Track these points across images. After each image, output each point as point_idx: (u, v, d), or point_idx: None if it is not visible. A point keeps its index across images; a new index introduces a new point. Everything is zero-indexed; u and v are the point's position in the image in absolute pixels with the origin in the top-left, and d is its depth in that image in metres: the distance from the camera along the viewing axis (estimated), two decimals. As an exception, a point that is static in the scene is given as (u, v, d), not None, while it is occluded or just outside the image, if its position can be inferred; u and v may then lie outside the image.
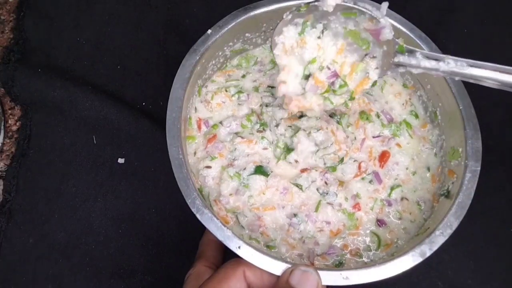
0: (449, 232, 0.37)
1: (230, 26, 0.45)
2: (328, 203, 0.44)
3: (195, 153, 0.46)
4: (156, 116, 0.53)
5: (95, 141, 0.52)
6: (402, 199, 0.45)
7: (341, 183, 0.45)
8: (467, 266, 0.48)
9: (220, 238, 0.36)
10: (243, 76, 0.51)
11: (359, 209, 0.44)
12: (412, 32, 0.46)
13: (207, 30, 0.45)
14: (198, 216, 0.37)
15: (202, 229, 0.47)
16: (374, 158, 0.47)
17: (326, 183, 0.45)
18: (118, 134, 0.52)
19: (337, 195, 0.44)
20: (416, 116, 0.49)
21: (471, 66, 0.35)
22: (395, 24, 0.46)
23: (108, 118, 0.52)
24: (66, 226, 0.48)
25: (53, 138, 0.52)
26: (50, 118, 0.53)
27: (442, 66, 0.36)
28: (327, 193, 0.44)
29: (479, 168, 0.40)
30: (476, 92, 0.43)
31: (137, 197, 0.50)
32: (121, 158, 0.51)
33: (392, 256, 0.38)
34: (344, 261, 0.42)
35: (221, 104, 0.48)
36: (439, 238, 0.37)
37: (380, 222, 0.44)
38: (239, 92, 0.49)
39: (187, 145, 0.46)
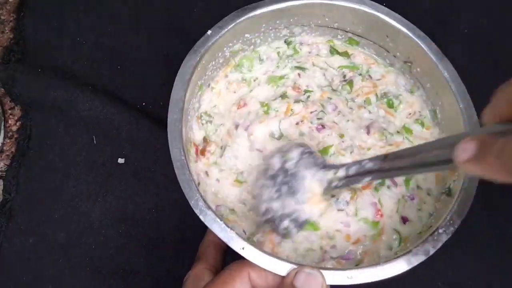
0: (451, 230, 0.37)
1: (230, 27, 0.45)
2: (339, 210, 0.43)
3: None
4: (156, 116, 0.53)
5: (95, 141, 0.52)
6: (417, 187, 0.45)
7: (353, 193, 0.43)
8: (467, 266, 0.48)
9: (224, 239, 0.36)
10: (250, 70, 0.50)
11: (381, 216, 0.43)
12: (412, 32, 0.46)
13: (207, 31, 0.44)
14: (201, 217, 0.37)
15: (202, 229, 0.47)
16: None
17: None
18: (118, 134, 0.52)
19: (348, 203, 0.43)
20: (422, 124, 0.48)
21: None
22: (395, 24, 0.46)
23: (108, 118, 0.52)
24: (66, 226, 0.48)
25: (53, 138, 0.52)
26: (50, 118, 0.53)
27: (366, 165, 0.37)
28: (337, 199, 0.43)
29: None
30: (476, 92, 0.43)
31: (137, 197, 0.50)
32: (121, 158, 0.51)
33: (396, 254, 0.38)
34: (360, 263, 0.41)
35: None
36: (442, 236, 0.37)
37: (404, 219, 0.43)
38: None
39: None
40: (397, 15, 0.46)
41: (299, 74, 0.50)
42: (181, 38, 0.57)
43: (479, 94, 0.43)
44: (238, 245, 0.36)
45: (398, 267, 0.36)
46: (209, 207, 0.37)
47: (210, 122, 0.48)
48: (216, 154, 0.46)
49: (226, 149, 0.46)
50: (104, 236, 0.48)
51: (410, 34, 0.46)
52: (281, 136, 0.46)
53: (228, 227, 0.36)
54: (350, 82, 0.50)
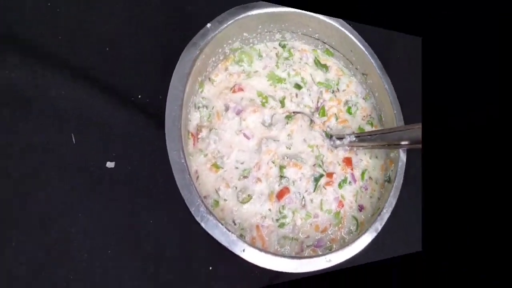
0: (390, 209, 0.47)
1: (229, 23, 0.45)
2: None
3: None
4: (153, 111, 0.46)
5: (74, 141, 0.41)
6: (370, 178, 0.53)
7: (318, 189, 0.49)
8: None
9: (225, 243, 0.37)
10: (250, 65, 0.51)
11: (342, 206, 0.50)
12: (367, 50, 0.54)
13: (207, 24, 0.43)
14: (202, 224, 0.37)
15: (203, 240, 0.43)
16: (342, 163, 0.53)
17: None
18: (106, 132, 0.43)
19: (312, 201, 0.49)
20: (372, 124, 0.58)
21: (357, 137, 0.51)
22: (356, 41, 0.54)
23: (93, 112, 0.42)
24: (27, 253, 0.37)
25: (16, 136, 0.38)
26: (8, 109, 0.38)
27: (345, 141, 0.51)
28: (304, 205, 0.48)
29: (405, 159, 0.51)
30: (407, 102, 0.54)
31: (130, 208, 0.42)
32: (110, 161, 0.42)
33: (358, 235, 0.46)
34: (332, 248, 0.47)
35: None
36: (385, 215, 0.47)
37: (360, 207, 0.51)
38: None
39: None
40: (357, 34, 0.54)
41: (296, 95, 0.54)
42: (181, 26, 0.51)
43: (412, 103, 0.54)
44: (239, 247, 0.37)
45: (360, 245, 0.44)
46: (211, 212, 0.37)
47: (206, 107, 0.46)
48: (205, 138, 0.45)
49: (212, 131, 0.45)
50: (87, 262, 0.39)
51: (365, 52, 0.54)
52: (270, 124, 0.49)
53: (229, 231, 0.37)
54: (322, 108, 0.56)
